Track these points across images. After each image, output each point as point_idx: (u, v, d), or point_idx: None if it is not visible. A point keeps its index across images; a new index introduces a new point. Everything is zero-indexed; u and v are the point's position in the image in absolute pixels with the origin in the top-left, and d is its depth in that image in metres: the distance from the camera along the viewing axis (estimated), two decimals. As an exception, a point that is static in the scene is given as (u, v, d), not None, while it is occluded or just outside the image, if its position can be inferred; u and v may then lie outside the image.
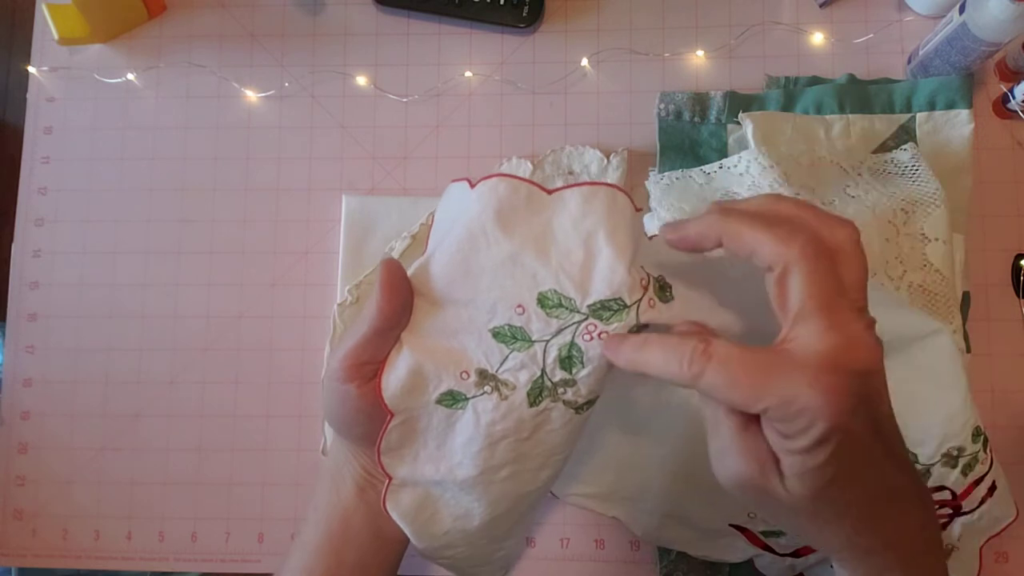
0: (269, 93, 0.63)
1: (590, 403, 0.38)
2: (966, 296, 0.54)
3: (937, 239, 0.50)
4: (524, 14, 0.61)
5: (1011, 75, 0.57)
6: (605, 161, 0.58)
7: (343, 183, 0.61)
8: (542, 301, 0.35)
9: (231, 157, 0.62)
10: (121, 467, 0.60)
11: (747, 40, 0.61)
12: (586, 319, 0.35)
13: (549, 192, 0.35)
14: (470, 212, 0.36)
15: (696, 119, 0.58)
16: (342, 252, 0.59)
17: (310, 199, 0.61)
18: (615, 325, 0.35)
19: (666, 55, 0.61)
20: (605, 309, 0.35)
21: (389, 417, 0.38)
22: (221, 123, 0.63)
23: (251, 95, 0.63)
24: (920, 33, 0.58)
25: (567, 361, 0.36)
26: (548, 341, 0.36)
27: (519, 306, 0.36)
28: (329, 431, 0.58)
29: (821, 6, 0.60)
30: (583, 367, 0.36)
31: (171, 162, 0.63)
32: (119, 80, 0.63)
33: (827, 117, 0.56)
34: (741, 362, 0.29)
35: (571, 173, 0.58)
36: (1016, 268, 0.56)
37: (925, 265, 0.50)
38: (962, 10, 0.51)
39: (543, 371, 0.36)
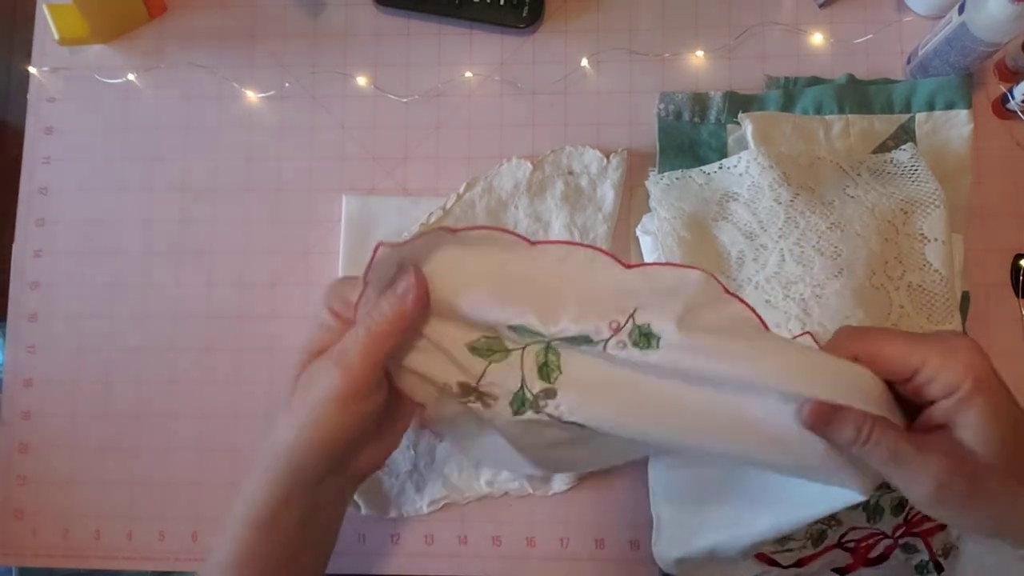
0: (269, 93, 0.63)
1: (582, 427, 0.37)
2: (965, 296, 0.54)
3: (936, 239, 0.50)
4: (524, 14, 0.61)
5: (1010, 75, 0.58)
6: (605, 161, 0.58)
7: (343, 183, 0.61)
8: (514, 328, 0.36)
9: (231, 157, 0.62)
10: (121, 467, 0.60)
11: (747, 40, 0.61)
12: (552, 340, 0.36)
13: (532, 243, 0.36)
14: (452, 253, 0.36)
15: (696, 119, 0.58)
16: (342, 252, 0.59)
17: (310, 199, 0.61)
18: (583, 347, 0.36)
19: (666, 55, 0.61)
20: (572, 339, 0.36)
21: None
22: (221, 123, 0.63)
23: (251, 95, 0.63)
24: (919, 33, 0.58)
25: (544, 369, 0.36)
26: (524, 347, 0.36)
27: (490, 328, 0.36)
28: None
29: (820, 6, 0.61)
30: (560, 373, 0.36)
31: (171, 162, 0.63)
32: (120, 80, 0.64)
33: (826, 117, 0.56)
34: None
35: (571, 173, 0.58)
36: (1015, 268, 0.56)
37: (924, 265, 0.50)
38: (961, 10, 0.51)
39: (522, 382, 0.37)
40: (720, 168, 0.55)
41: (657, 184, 0.55)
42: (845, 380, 0.33)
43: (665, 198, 0.54)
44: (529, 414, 0.37)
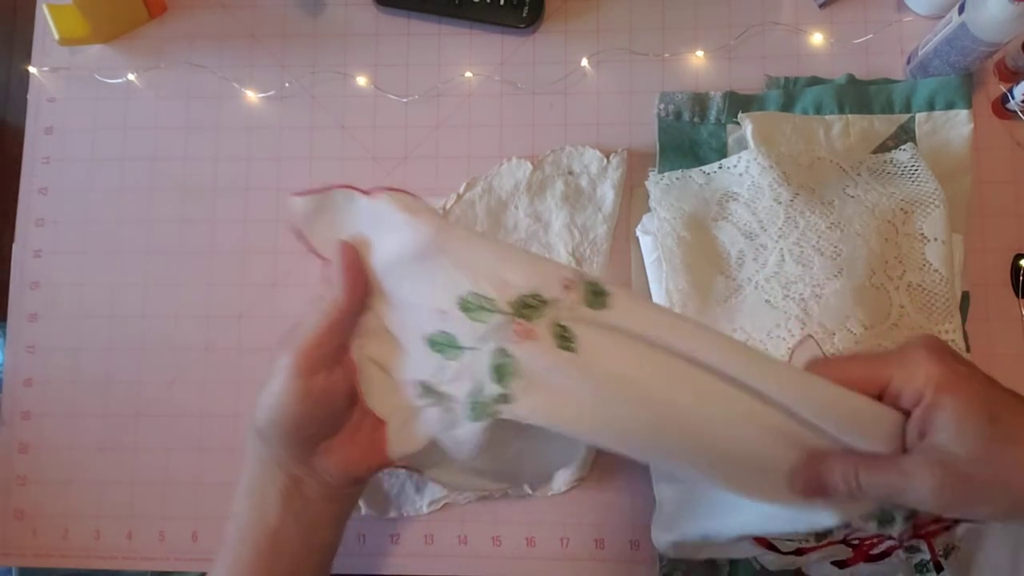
0: (269, 93, 0.63)
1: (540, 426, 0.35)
2: (965, 296, 0.54)
3: (936, 239, 0.50)
4: (524, 14, 0.61)
5: (1010, 75, 0.57)
6: (605, 161, 0.58)
7: (343, 183, 0.61)
8: (464, 306, 0.34)
9: (231, 157, 0.62)
10: (121, 467, 0.60)
11: (747, 40, 0.61)
12: (511, 319, 0.34)
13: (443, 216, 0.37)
14: (384, 220, 0.36)
15: (696, 119, 0.58)
16: (342, 252, 0.59)
17: (310, 199, 0.61)
18: (540, 322, 0.34)
19: (666, 55, 0.61)
20: (526, 307, 0.34)
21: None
22: (221, 123, 0.63)
23: (251, 95, 0.63)
24: (919, 33, 0.58)
25: (500, 371, 0.34)
26: (479, 348, 0.35)
27: (442, 311, 0.35)
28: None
29: (820, 6, 0.61)
30: (520, 379, 0.34)
31: (171, 162, 0.63)
32: (120, 80, 0.64)
33: (826, 117, 0.56)
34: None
35: (571, 173, 0.58)
36: (1015, 268, 0.56)
37: (924, 265, 0.50)
38: (961, 10, 0.51)
39: (478, 383, 0.35)
40: (720, 168, 0.55)
41: (657, 184, 0.55)
42: (811, 392, 0.34)
43: (665, 198, 0.54)
44: (486, 420, 0.35)
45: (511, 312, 0.34)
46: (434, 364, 0.36)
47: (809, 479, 0.34)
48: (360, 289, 0.37)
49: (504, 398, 0.34)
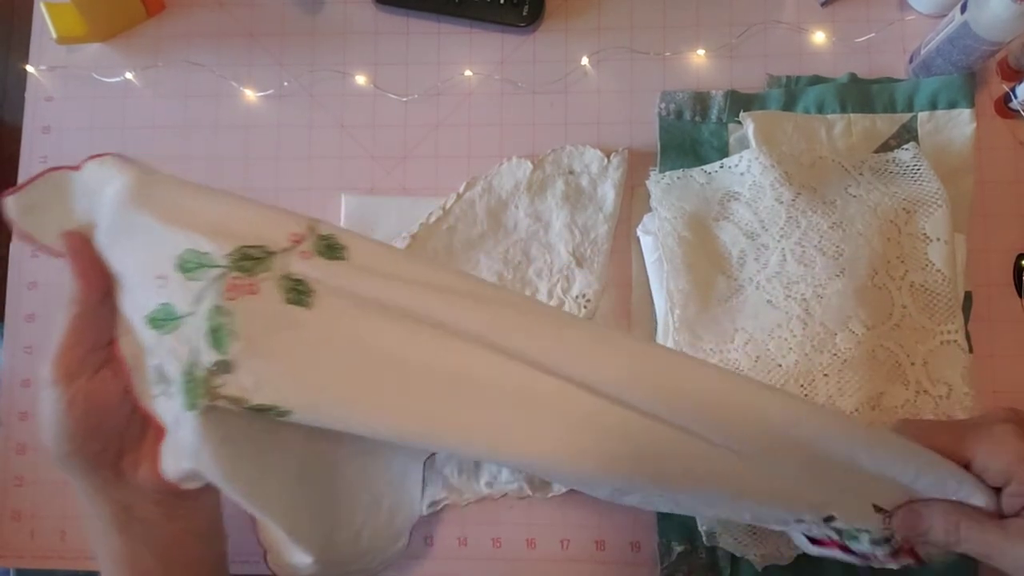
0: (268, 92, 0.62)
1: (280, 412, 0.31)
2: (968, 296, 0.54)
3: (939, 239, 0.50)
4: (524, 13, 0.60)
5: (1013, 74, 0.57)
6: (605, 161, 0.58)
7: (342, 183, 0.61)
8: (182, 266, 0.31)
9: (230, 157, 0.62)
10: (119, 468, 0.59)
11: (748, 39, 0.60)
12: (227, 272, 0.31)
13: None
14: (97, 191, 0.33)
15: (697, 118, 0.57)
16: (341, 252, 0.59)
17: (309, 199, 0.61)
18: (262, 275, 0.31)
19: (667, 54, 0.61)
20: (247, 259, 0.31)
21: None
22: (220, 122, 0.62)
23: (250, 94, 0.63)
24: (922, 32, 0.58)
25: (217, 333, 0.30)
26: (195, 313, 0.31)
27: (160, 276, 0.31)
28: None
29: (822, 5, 0.60)
30: (236, 340, 0.30)
31: (169, 162, 0.61)
32: (117, 79, 0.63)
33: (828, 116, 0.56)
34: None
35: (571, 173, 0.58)
36: (1018, 268, 0.56)
37: (926, 265, 0.50)
38: (964, 9, 0.51)
39: (195, 354, 0.31)
40: (721, 167, 0.54)
41: (658, 184, 0.55)
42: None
43: (666, 198, 0.54)
44: (204, 401, 0.30)
45: (227, 266, 0.31)
46: (154, 343, 0.32)
47: (908, 517, 0.35)
48: (95, 276, 0.33)
49: (223, 366, 0.30)
